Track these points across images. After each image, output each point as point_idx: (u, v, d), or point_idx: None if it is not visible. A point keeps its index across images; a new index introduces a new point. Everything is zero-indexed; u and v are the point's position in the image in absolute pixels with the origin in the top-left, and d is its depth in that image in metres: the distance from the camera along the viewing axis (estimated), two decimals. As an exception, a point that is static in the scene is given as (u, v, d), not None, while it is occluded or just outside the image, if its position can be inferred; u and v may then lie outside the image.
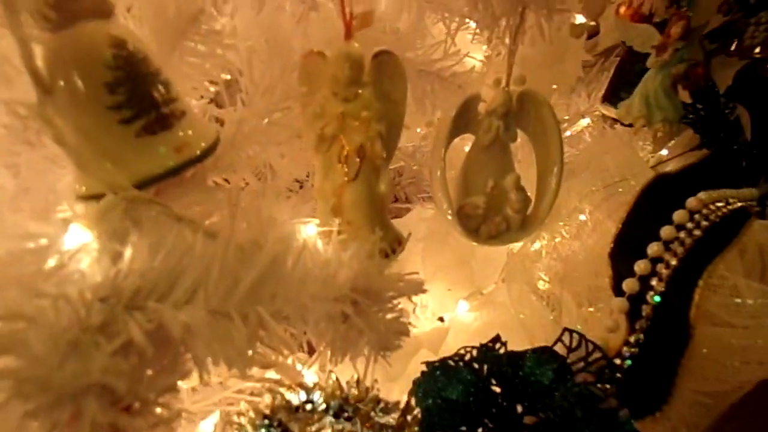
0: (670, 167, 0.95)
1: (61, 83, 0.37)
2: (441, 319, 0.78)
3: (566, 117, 1.16)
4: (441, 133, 0.60)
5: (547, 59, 0.68)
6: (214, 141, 0.45)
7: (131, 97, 0.39)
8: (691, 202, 0.58)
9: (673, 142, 0.95)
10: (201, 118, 0.46)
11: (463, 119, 0.61)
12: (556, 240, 0.78)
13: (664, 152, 0.99)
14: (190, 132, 0.42)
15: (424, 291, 0.44)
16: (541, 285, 0.74)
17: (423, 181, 1.10)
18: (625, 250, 0.61)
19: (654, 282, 0.55)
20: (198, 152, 0.43)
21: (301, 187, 0.66)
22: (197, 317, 0.34)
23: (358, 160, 0.49)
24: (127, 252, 0.35)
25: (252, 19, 0.53)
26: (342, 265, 0.41)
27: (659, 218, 0.59)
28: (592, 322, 0.63)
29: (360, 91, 0.48)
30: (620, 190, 0.69)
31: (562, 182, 0.85)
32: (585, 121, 1.06)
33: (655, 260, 0.56)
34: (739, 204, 0.61)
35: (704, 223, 0.56)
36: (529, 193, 0.63)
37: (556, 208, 0.82)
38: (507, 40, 0.55)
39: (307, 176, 0.65)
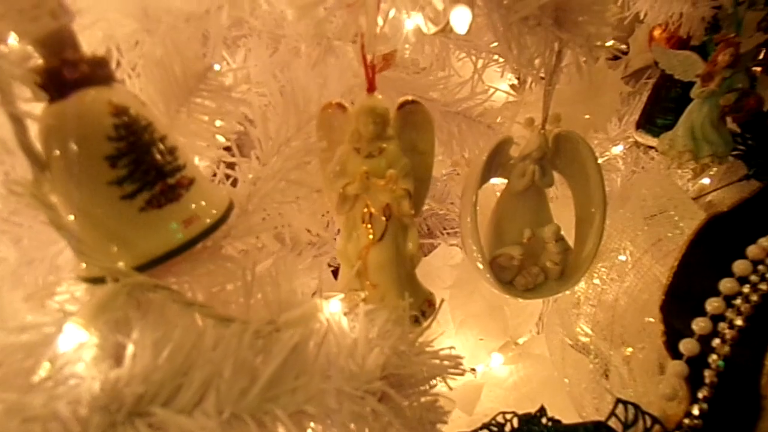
0: (711, 198, 0.90)
1: (58, 159, 0.34)
2: (473, 371, 0.73)
3: (596, 142, 1.11)
4: (472, 179, 0.56)
5: (582, 94, 0.63)
6: (227, 207, 0.41)
7: (134, 169, 0.35)
8: (753, 250, 0.52)
9: (715, 169, 0.89)
10: (212, 183, 0.42)
11: (495, 163, 0.56)
12: (595, 283, 0.73)
13: (706, 181, 0.93)
14: (201, 201, 0.38)
15: (462, 372, 0.39)
16: (583, 337, 0.68)
17: (446, 214, 1.05)
18: (680, 303, 0.55)
19: (716, 344, 0.49)
20: (210, 222, 0.39)
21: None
22: (207, 425, 0.30)
23: (384, 219, 0.45)
24: (129, 350, 0.31)
25: (266, 65, 0.50)
26: (370, 348, 0.37)
27: (717, 268, 0.53)
28: (642, 382, 0.57)
29: (384, 145, 0.43)
30: (669, 234, 0.64)
31: (613, 208, 0.80)
32: (618, 149, 1.00)
33: (717, 318, 0.50)
34: (805, 249, 0.55)
35: (770, 275, 0.50)
36: (568, 240, 0.58)
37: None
38: (542, 80, 0.50)
39: (327, 227, 0.61)
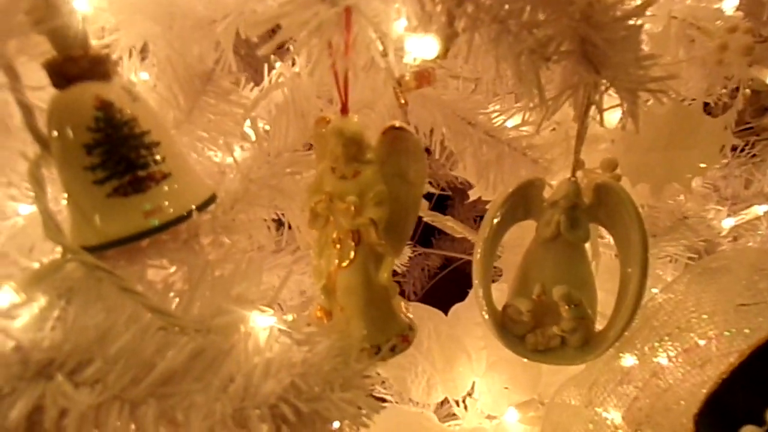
0: None
1: (53, 141, 0.39)
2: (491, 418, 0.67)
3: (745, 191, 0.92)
4: (489, 215, 0.51)
5: (663, 142, 0.52)
6: (203, 202, 0.44)
7: (107, 159, 0.39)
8: (833, 381, 0.39)
9: None
10: (194, 178, 0.44)
11: (522, 204, 0.50)
12: (656, 361, 0.62)
13: None
14: (170, 194, 0.41)
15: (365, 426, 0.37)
16: (617, 419, 0.59)
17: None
18: (717, 418, 0.44)
19: (735, 484, 0.39)
20: (175, 215, 0.41)
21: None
22: (83, 401, 0.32)
23: (353, 243, 0.43)
24: (51, 319, 0.35)
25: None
26: (272, 374, 0.36)
27: (775, 390, 0.41)
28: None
29: (361, 169, 0.42)
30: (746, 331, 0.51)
31: (701, 278, 0.66)
32: (762, 209, 0.81)
33: (747, 453, 0.39)
34: None
35: (842, 421, 0.37)
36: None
37: (669, 314, 0.65)
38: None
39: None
